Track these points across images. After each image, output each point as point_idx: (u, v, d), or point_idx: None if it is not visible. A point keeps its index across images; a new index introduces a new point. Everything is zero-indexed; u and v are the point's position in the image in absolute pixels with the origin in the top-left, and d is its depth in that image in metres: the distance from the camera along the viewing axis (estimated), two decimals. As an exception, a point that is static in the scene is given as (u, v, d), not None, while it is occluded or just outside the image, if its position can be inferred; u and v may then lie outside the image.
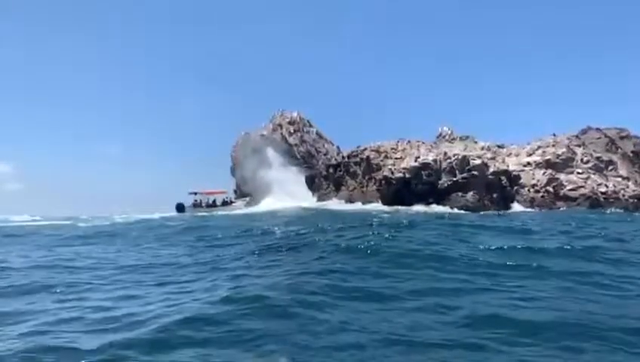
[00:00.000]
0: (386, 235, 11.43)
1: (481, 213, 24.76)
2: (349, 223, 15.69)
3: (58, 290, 7.01)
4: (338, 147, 51.32)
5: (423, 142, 38.11)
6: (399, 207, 28.45)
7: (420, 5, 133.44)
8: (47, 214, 36.03)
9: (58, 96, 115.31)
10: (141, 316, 5.31)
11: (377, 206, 31.07)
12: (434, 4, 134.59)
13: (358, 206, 32.72)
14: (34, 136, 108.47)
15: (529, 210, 29.24)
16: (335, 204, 35.29)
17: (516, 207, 30.51)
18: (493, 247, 9.59)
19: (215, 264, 9.07)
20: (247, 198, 44.34)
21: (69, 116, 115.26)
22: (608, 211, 26.63)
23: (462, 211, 26.74)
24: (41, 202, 78.48)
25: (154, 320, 5.02)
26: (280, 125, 51.38)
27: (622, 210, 28.17)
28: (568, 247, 9.52)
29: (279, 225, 16.09)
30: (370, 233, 11.89)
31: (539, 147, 35.86)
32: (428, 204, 30.00)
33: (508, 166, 33.17)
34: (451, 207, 28.58)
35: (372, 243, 9.89)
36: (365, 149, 37.71)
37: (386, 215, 21.06)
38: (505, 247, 9.55)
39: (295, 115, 52.42)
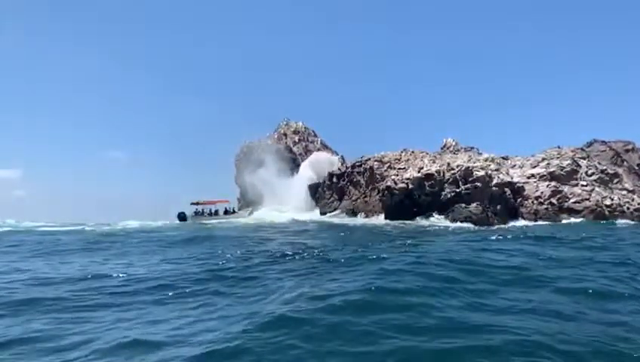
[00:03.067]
0: (403, 249, 11.40)
1: (494, 227, 24.54)
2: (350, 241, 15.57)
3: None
4: (342, 157, 51.31)
5: (427, 153, 38.05)
6: (404, 221, 28.28)
7: (436, 20, 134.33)
8: (51, 221, 35.99)
9: (62, 104, 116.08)
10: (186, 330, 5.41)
11: (380, 220, 30.88)
12: (444, 15, 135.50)
13: (360, 219, 32.56)
14: (39, 142, 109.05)
15: (539, 222, 28.82)
16: (335, 217, 35.10)
17: (520, 219, 30.26)
18: (507, 257, 9.53)
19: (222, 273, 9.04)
20: (251, 208, 44.33)
21: (73, 123, 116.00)
22: (617, 224, 26.28)
23: (469, 225, 26.48)
24: (45, 209, 78.72)
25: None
26: (285, 134, 51.55)
27: (632, 223, 27.90)
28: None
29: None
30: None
31: (543, 159, 35.64)
32: (430, 215, 29.85)
33: (512, 178, 33.02)
34: (454, 219, 28.37)
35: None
36: (369, 159, 37.71)
37: (390, 228, 20.90)
38: (517, 256, 9.48)
39: (300, 124, 52.61)
